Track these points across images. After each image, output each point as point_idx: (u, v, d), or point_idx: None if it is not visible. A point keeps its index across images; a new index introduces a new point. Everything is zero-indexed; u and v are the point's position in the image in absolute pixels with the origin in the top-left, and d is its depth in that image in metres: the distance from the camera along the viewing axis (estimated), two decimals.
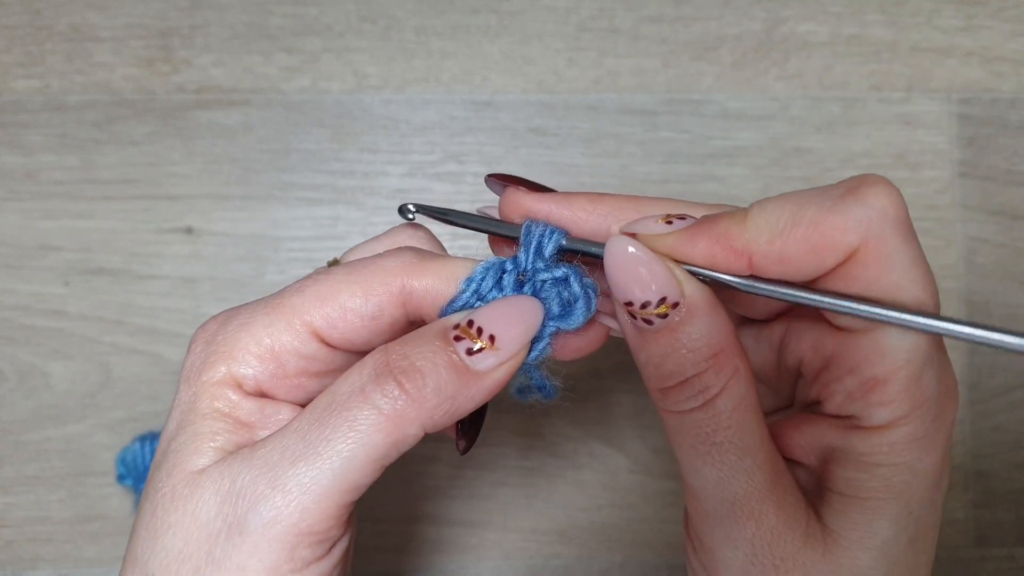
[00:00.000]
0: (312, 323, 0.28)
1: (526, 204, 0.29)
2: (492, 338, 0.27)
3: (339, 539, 0.27)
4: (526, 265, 0.29)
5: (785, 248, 0.25)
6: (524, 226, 0.29)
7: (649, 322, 0.26)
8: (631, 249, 0.26)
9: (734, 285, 0.26)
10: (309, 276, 0.29)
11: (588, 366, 0.49)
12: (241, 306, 0.29)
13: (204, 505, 0.26)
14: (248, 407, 0.28)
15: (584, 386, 0.49)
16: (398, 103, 0.50)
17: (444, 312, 0.29)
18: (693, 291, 0.26)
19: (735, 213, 0.26)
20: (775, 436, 0.29)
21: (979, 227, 0.51)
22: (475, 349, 0.27)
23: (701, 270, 0.26)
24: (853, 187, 0.25)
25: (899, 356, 0.25)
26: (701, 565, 0.29)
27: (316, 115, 0.50)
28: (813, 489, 0.29)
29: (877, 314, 0.25)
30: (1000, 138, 0.51)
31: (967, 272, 0.50)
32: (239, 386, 0.28)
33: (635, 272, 0.26)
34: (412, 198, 0.50)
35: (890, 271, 0.25)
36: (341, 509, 0.26)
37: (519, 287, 0.29)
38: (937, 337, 0.26)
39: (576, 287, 0.29)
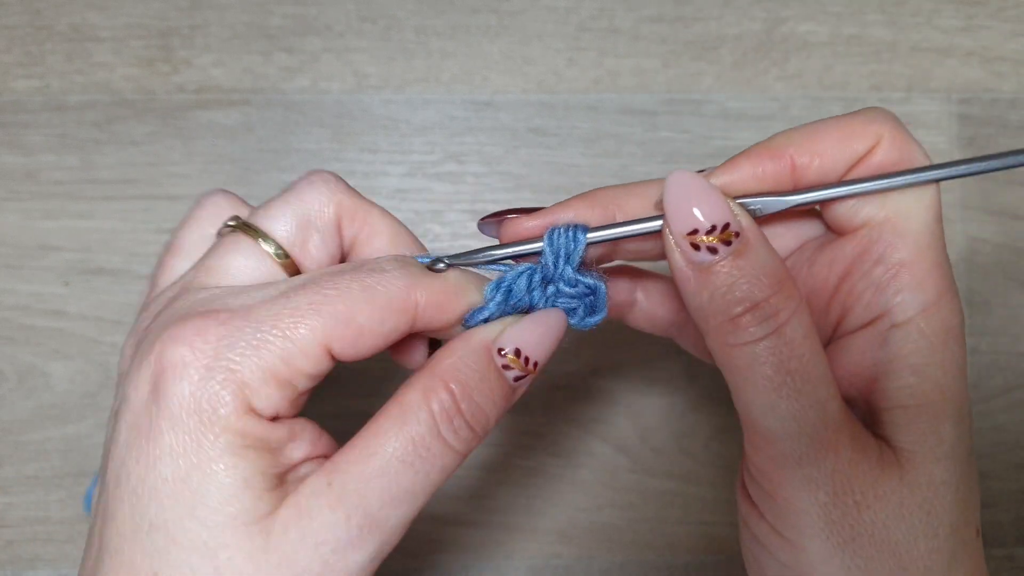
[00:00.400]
0: (330, 346, 0.26)
1: (527, 227, 0.29)
2: (535, 365, 0.29)
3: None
4: (553, 271, 0.29)
5: (820, 140, 0.27)
6: (547, 234, 0.29)
7: (714, 251, 0.26)
8: (694, 179, 0.27)
9: (782, 205, 0.27)
10: (320, 285, 0.27)
11: (588, 365, 0.49)
12: (238, 315, 0.26)
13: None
14: (277, 435, 0.26)
15: (584, 386, 0.49)
16: (398, 103, 0.50)
17: (469, 321, 0.29)
18: (749, 223, 0.27)
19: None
20: None
21: (979, 227, 0.51)
22: (520, 375, 0.28)
23: (749, 201, 0.28)
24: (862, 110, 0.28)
25: (922, 236, 0.28)
26: (771, 529, 0.28)
27: (316, 115, 0.50)
28: (866, 420, 0.29)
29: (915, 178, 0.27)
30: (1000, 138, 0.51)
31: (967, 272, 0.50)
32: (258, 415, 0.26)
33: (699, 199, 0.26)
34: (412, 198, 0.50)
35: (912, 150, 0.28)
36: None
37: (543, 289, 0.30)
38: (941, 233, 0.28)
39: (602, 294, 0.30)
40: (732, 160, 0.28)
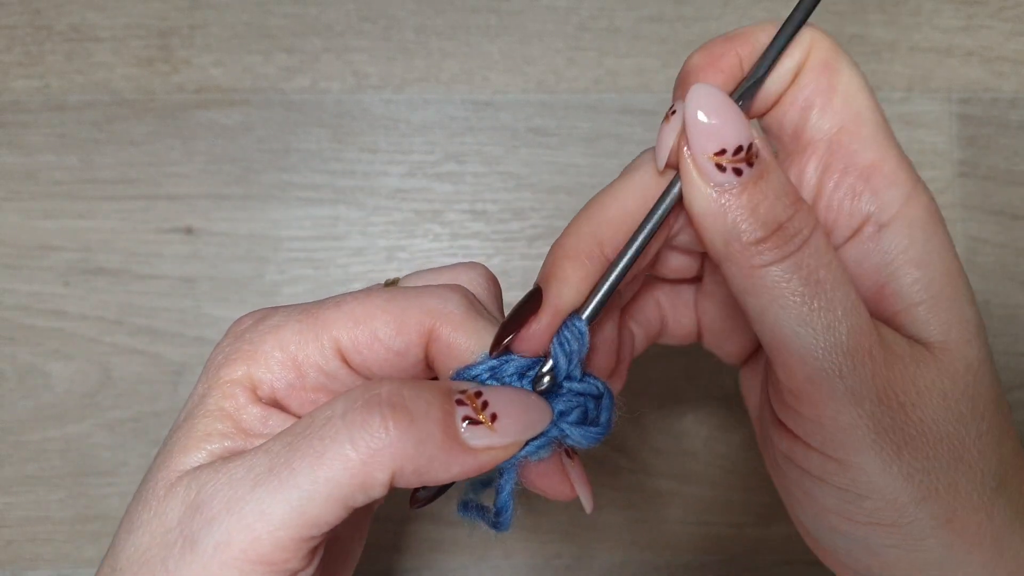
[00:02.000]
0: (339, 341, 0.27)
1: (538, 335, 0.28)
2: (494, 417, 0.25)
3: (301, 570, 0.25)
4: (561, 374, 0.27)
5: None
6: (555, 341, 0.27)
7: (739, 172, 0.25)
8: (721, 96, 0.26)
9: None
10: (353, 293, 0.27)
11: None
12: (279, 308, 0.28)
13: (171, 511, 0.25)
14: (254, 413, 0.27)
15: None
16: (398, 103, 0.50)
17: (456, 376, 0.27)
18: (765, 143, 0.26)
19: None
20: None
21: (979, 227, 0.51)
22: (474, 419, 0.25)
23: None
24: None
25: (878, 132, 0.28)
26: (821, 455, 0.27)
27: (316, 115, 0.50)
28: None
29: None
30: (1000, 138, 0.51)
31: (967, 272, 0.50)
32: (254, 389, 0.27)
33: (729, 117, 0.26)
34: (412, 198, 0.50)
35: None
36: (299, 543, 0.24)
37: (544, 393, 0.27)
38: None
39: (607, 404, 0.28)
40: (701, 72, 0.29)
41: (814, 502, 0.28)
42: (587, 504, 0.30)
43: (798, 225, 0.26)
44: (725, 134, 0.25)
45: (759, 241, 0.26)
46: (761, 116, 0.30)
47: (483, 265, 0.31)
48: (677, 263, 0.32)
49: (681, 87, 0.28)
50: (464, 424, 0.25)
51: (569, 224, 0.29)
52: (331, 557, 0.30)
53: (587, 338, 0.27)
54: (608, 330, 0.31)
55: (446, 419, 0.25)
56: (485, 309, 0.29)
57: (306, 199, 0.49)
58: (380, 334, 0.27)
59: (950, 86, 0.51)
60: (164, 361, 0.48)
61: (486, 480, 0.29)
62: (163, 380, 0.48)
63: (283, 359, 0.27)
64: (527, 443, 0.27)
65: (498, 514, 0.28)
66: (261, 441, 0.26)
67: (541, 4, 0.51)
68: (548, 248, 0.29)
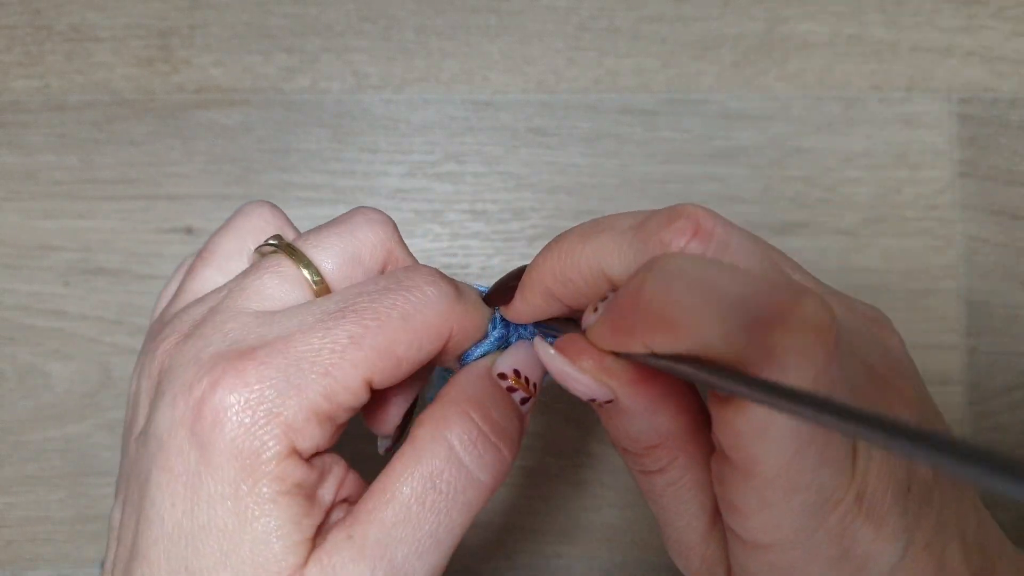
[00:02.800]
0: (371, 379, 0.26)
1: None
2: (535, 386, 0.28)
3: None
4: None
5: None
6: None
7: (604, 403, 0.26)
8: (552, 354, 0.25)
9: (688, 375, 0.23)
10: (360, 318, 0.26)
11: None
12: (276, 351, 0.25)
13: None
14: (312, 478, 0.26)
15: None
16: (398, 103, 0.50)
17: (467, 356, 0.29)
18: (623, 396, 0.25)
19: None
20: None
21: (979, 227, 0.51)
22: (526, 399, 0.28)
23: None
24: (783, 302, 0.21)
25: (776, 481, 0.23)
26: None
27: (316, 115, 0.50)
28: None
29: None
30: (1000, 138, 0.51)
31: (967, 272, 0.50)
32: (299, 456, 0.25)
33: (563, 376, 0.25)
34: (412, 198, 0.50)
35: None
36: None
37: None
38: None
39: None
40: (606, 315, 0.25)
41: None
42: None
43: (641, 463, 0.27)
44: (567, 388, 0.26)
45: (617, 447, 0.28)
46: None
47: (373, 210, 0.31)
48: None
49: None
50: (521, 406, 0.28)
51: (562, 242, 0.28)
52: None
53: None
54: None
55: (522, 422, 0.28)
56: (466, 287, 0.30)
57: (306, 199, 0.49)
58: (405, 356, 0.26)
59: (950, 86, 0.51)
60: None
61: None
62: None
63: (318, 422, 0.25)
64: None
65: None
66: (323, 490, 0.26)
67: (541, 4, 0.51)
68: None
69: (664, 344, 0.22)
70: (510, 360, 0.28)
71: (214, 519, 0.24)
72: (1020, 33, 0.52)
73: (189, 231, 0.49)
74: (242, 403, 0.24)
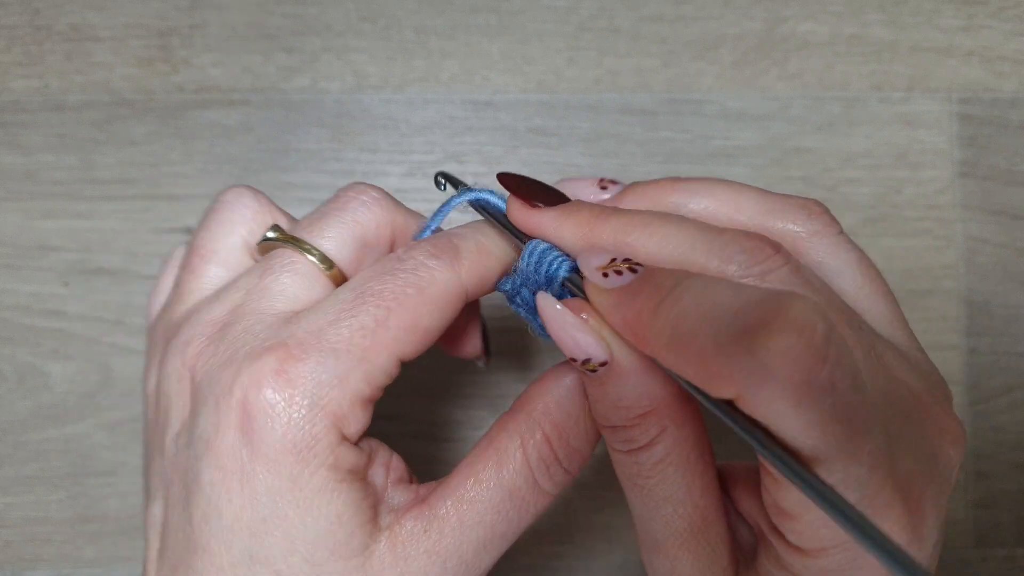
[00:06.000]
0: (403, 355, 0.27)
1: (525, 221, 0.29)
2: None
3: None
4: (520, 280, 0.29)
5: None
6: (526, 247, 0.29)
7: (593, 370, 0.26)
8: (558, 308, 0.26)
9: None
10: (381, 300, 0.27)
11: None
12: (311, 345, 0.26)
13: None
14: (363, 461, 0.27)
15: None
16: (398, 103, 0.50)
17: (502, 286, 0.29)
18: (622, 356, 0.25)
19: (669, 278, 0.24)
20: (733, 489, 0.30)
21: (979, 227, 0.51)
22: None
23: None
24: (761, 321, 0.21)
25: None
26: None
27: (316, 115, 0.50)
28: (752, 547, 0.29)
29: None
30: (1000, 138, 0.51)
31: (967, 272, 0.50)
32: (349, 442, 0.27)
33: (562, 332, 0.26)
34: (412, 198, 0.50)
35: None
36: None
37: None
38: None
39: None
40: (625, 290, 0.25)
41: None
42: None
43: (630, 436, 0.26)
44: (563, 347, 0.26)
45: (599, 427, 0.28)
46: None
47: (364, 188, 0.31)
48: None
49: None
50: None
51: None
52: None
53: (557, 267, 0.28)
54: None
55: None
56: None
57: (306, 199, 0.49)
58: (431, 327, 0.28)
59: (950, 86, 0.51)
60: None
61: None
62: None
63: (361, 406, 0.27)
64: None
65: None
66: (372, 469, 0.28)
67: (541, 4, 0.51)
68: None
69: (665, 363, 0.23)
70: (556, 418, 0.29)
71: (275, 511, 0.25)
72: (1020, 33, 0.52)
73: (189, 231, 0.49)
74: (287, 399, 0.25)
